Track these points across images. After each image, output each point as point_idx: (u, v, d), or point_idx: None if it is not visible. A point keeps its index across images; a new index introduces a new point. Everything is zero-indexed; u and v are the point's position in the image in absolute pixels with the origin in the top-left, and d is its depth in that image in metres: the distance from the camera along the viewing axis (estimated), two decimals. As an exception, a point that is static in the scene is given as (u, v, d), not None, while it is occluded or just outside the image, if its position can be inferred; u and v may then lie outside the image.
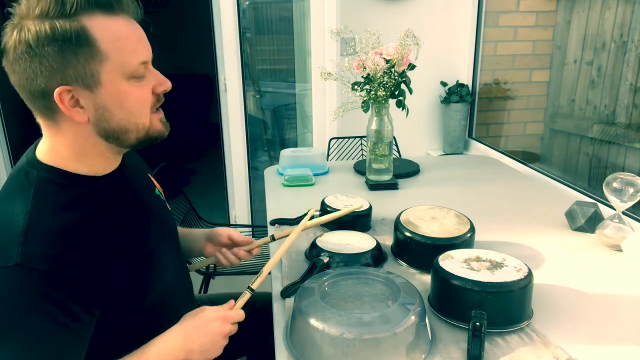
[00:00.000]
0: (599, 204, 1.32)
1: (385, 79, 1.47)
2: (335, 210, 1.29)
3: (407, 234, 1.11)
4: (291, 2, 2.81)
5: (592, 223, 1.26)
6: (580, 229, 1.28)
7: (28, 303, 0.68)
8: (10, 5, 0.70)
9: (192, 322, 0.84)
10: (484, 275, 0.87)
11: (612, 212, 1.22)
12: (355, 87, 1.55)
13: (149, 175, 1.01)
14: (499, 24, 2.53)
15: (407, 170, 1.79)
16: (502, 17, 2.52)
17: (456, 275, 0.88)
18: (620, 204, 1.18)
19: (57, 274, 0.69)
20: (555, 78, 2.25)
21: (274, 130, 3.34)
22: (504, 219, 1.39)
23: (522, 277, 0.87)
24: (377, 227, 1.32)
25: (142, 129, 0.80)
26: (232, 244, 1.15)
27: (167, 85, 0.81)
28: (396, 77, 1.48)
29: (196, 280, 1.51)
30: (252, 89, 3.09)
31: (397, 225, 1.15)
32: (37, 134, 0.84)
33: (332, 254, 1.07)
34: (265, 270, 0.94)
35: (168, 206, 1.03)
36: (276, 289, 1.04)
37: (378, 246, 1.13)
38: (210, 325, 0.83)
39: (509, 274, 0.88)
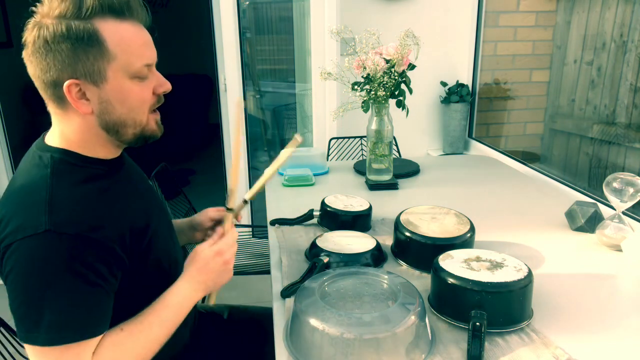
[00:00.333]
0: (599, 204, 1.32)
1: (385, 79, 1.47)
2: (336, 210, 1.29)
3: (407, 234, 1.11)
4: (291, 2, 2.81)
5: (592, 223, 1.26)
6: (580, 229, 1.28)
7: (60, 265, 0.75)
8: (34, 4, 0.79)
9: (195, 267, 0.92)
10: (484, 275, 0.87)
11: (612, 212, 1.22)
12: (355, 87, 1.55)
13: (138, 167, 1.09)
14: (499, 24, 2.53)
15: (407, 170, 1.79)
16: (502, 17, 2.52)
17: (456, 275, 0.88)
18: (620, 204, 1.18)
19: (84, 237, 0.77)
20: (555, 78, 2.25)
21: (274, 130, 3.34)
22: (504, 219, 1.39)
23: (522, 277, 0.87)
24: (377, 227, 1.32)
25: (138, 126, 0.87)
26: (216, 223, 1.18)
27: (167, 86, 0.89)
28: (396, 77, 1.48)
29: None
30: (252, 89, 3.09)
31: (397, 225, 1.15)
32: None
33: (332, 254, 1.07)
34: (234, 186, 1.01)
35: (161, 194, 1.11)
36: (276, 289, 1.04)
37: (378, 246, 1.13)
38: (212, 262, 0.92)
39: (509, 274, 0.88)
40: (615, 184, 1.17)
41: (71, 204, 0.79)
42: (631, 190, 1.15)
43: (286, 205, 1.52)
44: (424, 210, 1.21)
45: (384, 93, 1.48)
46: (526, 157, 2.35)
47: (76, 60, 0.79)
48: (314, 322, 0.80)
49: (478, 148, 2.61)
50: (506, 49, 2.51)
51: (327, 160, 2.27)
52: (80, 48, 0.78)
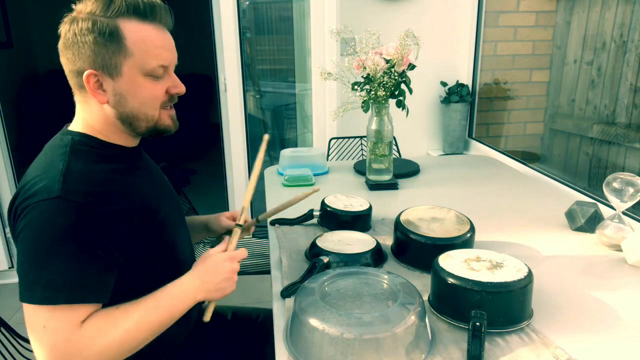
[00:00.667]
0: (599, 204, 1.32)
1: (385, 79, 1.47)
2: (336, 210, 1.29)
3: (407, 234, 1.11)
4: (291, 2, 2.80)
5: (592, 223, 1.26)
6: (580, 229, 1.28)
7: (65, 230, 0.80)
8: (74, 2, 0.89)
9: (204, 266, 0.94)
10: (484, 275, 0.87)
11: (612, 212, 1.22)
12: (355, 87, 1.55)
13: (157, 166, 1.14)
14: (499, 24, 2.53)
15: (407, 170, 1.79)
16: (502, 17, 2.52)
17: (456, 275, 0.88)
18: (620, 204, 1.18)
19: (92, 208, 0.82)
20: (555, 78, 2.25)
21: (274, 130, 3.34)
22: (504, 219, 1.39)
23: (522, 277, 0.87)
24: (377, 227, 1.32)
25: (151, 120, 0.93)
26: (227, 232, 1.21)
27: (180, 89, 0.95)
28: (396, 77, 1.48)
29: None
30: (252, 89, 3.09)
31: (397, 225, 1.15)
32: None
33: (332, 254, 1.07)
34: (246, 204, 1.05)
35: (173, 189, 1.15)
36: (276, 289, 1.04)
37: (378, 246, 1.13)
38: (221, 266, 0.94)
39: (509, 274, 0.88)
40: (615, 184, 1.17)
41: (84, 177, 0.85)
42: (631, 190, 1.15)
43: (286, 205, 1.51)
44: (424, 210, 1.21)
45: (384, 93, 1.48)
46: (526, 157, 2.35)
47: (97, 52, 0.86)
48: (314, 322, 0.80)
49: (478, 148, 2.61)
50: (506, 49, 2.51)
51: (327, 160, 2.27)
52: (101, 42, 0.86)
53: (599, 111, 1.93)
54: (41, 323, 0.79)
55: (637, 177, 1.16)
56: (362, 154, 2.44)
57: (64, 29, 0.88)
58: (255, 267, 1.83)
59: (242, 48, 2.49)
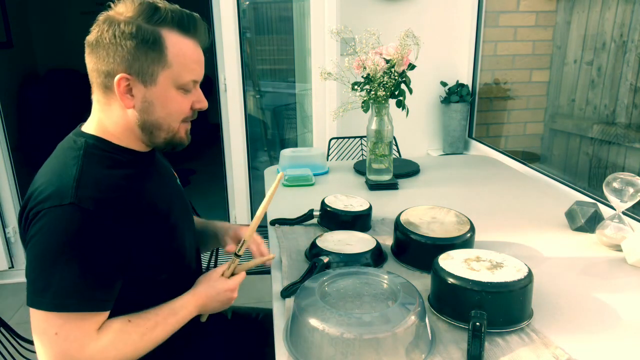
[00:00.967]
0: (599, 204, 1.32)
1: (385, 79, 1.47)
2: (336, 210, 1.29)
3: (407, 234, 1.11)
4: (291, 2, 2.81)
5: (592, 223, 1.26)
6: (580, 229, 1.28)
7: (77, 237, 0.80)
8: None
9: (205, 292, 0.98)
10: (484, 275, 0.87)
11: (612, 212, 1.22)
12: (355, 87, 1.55)
13: (172, 169, 1.14)
14: (499, 24, 2.53)
15: (407, 170, 1.79)
16: (502, 17, 2.52)
17: (456, 275, 0.88)
18: (620, 204, 1.18)
19: (103, 215, 0.82)
20: (555, 78, 2.25)
21: (274, 130, 3.34)
22: (504, 219, 1.39)
23: (522, 277, 0.87)
24: (377, 227, 1.32)
25: (171, 132, 0.94)
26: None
27: (204, 104, 0.96)
28: (396, 77, 1.48)
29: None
30: (252, 89, 3.09)
31: (397, 225, 1.15)
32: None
33: (332, 254, 1.07)
34: (247, 237, 1.03)
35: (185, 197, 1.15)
36: (276, 289, 1.04)
37: (378, 246, 1.13)
38: (222, 295, 0.99)
39: (509, 274, 0.88)
40: (615, 184, 1.17)
41: (96, 183, 0.85)
42: (631, 190, 1.15)
43: (286, 205, 1.51)
44: (424, 210, 1.21)
45: (384, 93, 1.48)
46: (526, 157, 2.35)
47: (135, 58, 0.86)
48: (314, 322, 0.80)
49: (478, 148, 2.61)
50: (506, 49, 2.51)
51: (327, 160, 2.27)
52: (142, 49, 0.86)
53: (599, 111, 1.93)
54: (53, 329, 0.79)
55: (637, 177, 1.16)
56: (362, 154, 2.44)
57: (99, 27, 0.86)
58: (255, 267, 1.83)
59: (242, 48, 2.49)
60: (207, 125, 4.89)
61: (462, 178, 1.77)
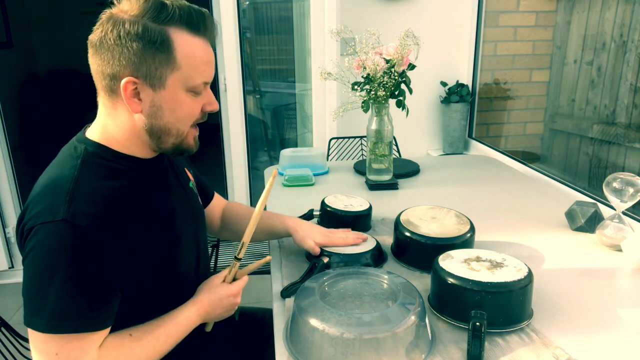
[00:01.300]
0: (599, 204, 1.32)
1: (385, 79, 1.47)
2: (336, 210, 1.29)
3: (407, 234, 1.11)
4: (291, 2, 2.81)
5: (592, 223, 1.26)
6: (580, 229, 1.28)
7: (70, 255, 0.76)
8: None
9: (207, 299, 0.95)
10: (484, 275, 0.87)
11: (612, 212, 1.22)
12: (355, 87, 1.55)
13: (185, 169, 1.10)
14: (499, 24, 2.53)
15: (407, 170, 1.79)
16: (502, 17, 2.52)
17: (456, 275, 0.88)
18: (620, 204, 1.18)
19: (97, 231, 0.78)
20: (555, 78, 2.25)
21: (274, 130, 3.34)
22: (504, 219, 1.38)
23: (522, 277, 0.87)
24: (377, 227, 1.32)
25: (180, 137, 0.89)
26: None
27: (214, 106, 0.91)
28: (396, 77, 1.48)
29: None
30: (252, 89, 3.09)
31: (397, 225, 1.15)
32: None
33: (332, 254, 1.07)
34: (246, 240, 1.00)
35: (200, 200, 1.12)
36: (276, 289, 1.04)
37: (378, 246, 1.13)
38: (225, 301, 0.96)
39: (509, 274, 0.88)
40: (615, 184, 1.17)
41: (91, 197, 0.81)
42: (631, 190, 1.15)
43: (286, 205, 1.51)
44: (424, 210, 1.21)
45: (384, 93, 1.48)
46: (526, 157, 2.35)
47: (142, 60, 0.80)
48: (314, 322, 0.80)
49: (478, 148, 2.61)
50: (506, 49, 2.51)
51: (327, 160, 2.27)
52: (149, 50, 0.80)
53: (599, 111, 1.93)
54: (53, 350, 0.77)
55: (637, 177, 1.16)
56: (362, 154, 2.44)
57: (103, 27, 0.81)
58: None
59: (242, 48, 2.49)
60: (207, 125, 4.89)
61: (462, 178, 1.77)
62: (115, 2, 0.83)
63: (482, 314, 0.81)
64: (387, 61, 1.49)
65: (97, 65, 0.83)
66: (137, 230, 0.85)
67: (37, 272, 0.77)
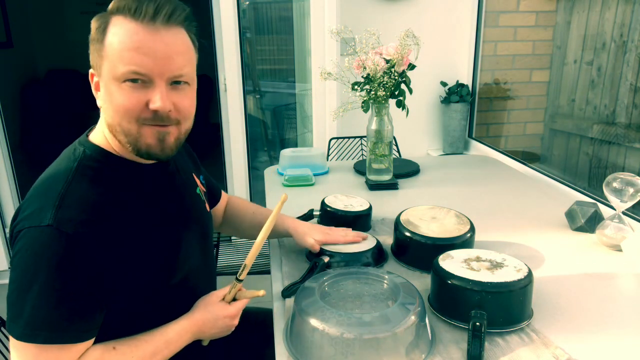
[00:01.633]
0: (599, 204, 1.32)
1: (385, 79, 1.47)
2: (336, 210, 1.29)
3: (407, 234, 1.11)
4: (291, 2, 2.81)
5: (592, 223, 1.26)
6: (580, 229, 1.28)
7: (53, 263, 0.74)
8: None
9: (202, 317, 0.90)
10: (484, 275, 0.87)
11: (612, 212, 1.22)
12: (355, 87, 1.55)
13: (193, 175, 1.06)
14: (499, 24, 2.53)
15: (407, 170, 1.79)
16: (502, 17, 2.52)
17: (456, 275, 0.88)
18: (620, 204, 1.18)
19: (83, 240, 0.75)
20: (555, 78, 2.25)
21: (274, 130, 3.34)
22: (504, 219, 1.39)
23: (522, 277, 0.87)
24: (377, 227, 1.32)
25: (129, 136, 0.82)
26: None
27: (155, 104, 0.79)
28: (396, 77, 1.48)
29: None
30: (252, 89, 3.10)
31: (397, 225, 1.15)
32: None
33: (332, 254, 1.07)
34: (248, 262, 0.95)
35: (207, 207, 1.08)
36: (276, 289, 1.04)
37: (378, 245, 1.13)
38: (221, 322, 0.92)
39: (509, 274, 0.88)
40: (615, 184, 1.17)
41: (81, 203, 0.78)
42: (631, 190, 1.15)
43: (286, 205, 1.51)
44: (424, 210, 1.21)
45: (384, 93, 1.48)
46: (526, 157, 2.35)
47: (92, 51, 0.81)
48: (314, 322, 0.80)
49: (478, 148, 2.61)
50: (506, 49, 2.51)
51: (327, 160, 2.27)
52: (95, 38, 0.80)
53: (599, 111, 1.93)
54: (29, 358, 0.75)
55: (637, 177, 1.16)
56: (362, 154, 2.44)
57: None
58: (255, 267, 1.83)
59: (242, 48, 2.49)
60: (207, 125, 4.90)
61: (462, 178, 1.77)
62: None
63: (482, 314, 0.81)
64: (387, 61, 1.49)
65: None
66: (128, 239, 0.81)
67: (19, 277, 0.75)
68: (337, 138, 2.43)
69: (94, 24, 0.81)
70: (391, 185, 1.63)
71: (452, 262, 0.93)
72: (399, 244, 1.16)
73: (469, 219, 1.17)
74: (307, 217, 1.35)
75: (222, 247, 2.72)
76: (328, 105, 2.50)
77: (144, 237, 0.85)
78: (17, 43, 4.25)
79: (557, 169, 2.19)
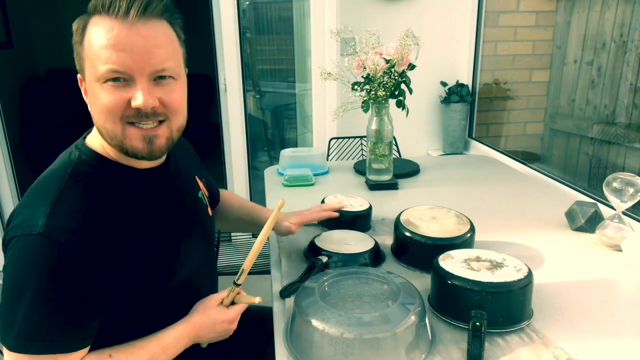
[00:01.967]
0: (599, 204, 1.32)
1: (385, 79, 1.47)
2: (336, 210, 1.29)
3: (407, 234, 1.11)
4: (291, 2, 2.81)
5: (592, 223, 1.26)
6: (580, 229, 1.28)
7: (44, 272, 0.72)
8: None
9: (200, 321, 0.89)
10: (484, 275, 0.87)
11: (612, 212, 1.22)
12: (355, 87, 1.55)
13: (196, 177, 1.05)
14: (499, 24, 2.53)
15: (407, 170, 1.79)
16: (502, 17, 2.52)
17: (456, 275, 0.88)
18: (620, 204, 1.18)
19: (75, 249, 0.73)
20: (555, 78, 2.25)
21: (274, 130, 3.34)
22: (504, 219, 1.39)
23: (522, 277, 0.87)
24: (377, 227, 1.32)
25: (114, 137, 0.80)
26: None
27: (137, 101, 0.77)
28: (396, 77, 1.48)
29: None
30: (252, 89, 3.10)
31: (397, 225, 1.15)
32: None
33: (330, 254, 1.07)
34: (247, 266, 0.93)
35: (210, 211, 1.07)
36: (276, 289, 1.04)
37: (376, 246, 1.13)
38: (219, 326, 0.90)
39: (509, 274, 0.88)
40: (615, 184, 1.17)
41: (73, 211, 0.76)
42: (631, 190, 1.15)
43: (286, 205, 1.51)
44: (424, 210, 1.21)
45: (384, 93, 1.48)
46: (526, 157, 2.35)
47: (76, 53, 0.80)
48: (314, 322, 0.80)
49: (478, 148, 2.61)
50: (506, 49, 2.51)
51: (327, 160, 2.27)
52: (76, 41, 0.79)
53: (599, 111, 1.93)
54: None
55: (637, 177, 1.16)
56: (362, 154, 2.44)
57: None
58: (255, 267, 1.83)
59: (242, 48, 2.49)
60: (207, 125, 4.90)
61: (462, 178, 1.77)
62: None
63: (482, 314, 0.81)
64: (387, 61, 1.49)
65: None
66: (122, 246, 0.79)
67: (10, 287, 0.73)
68: (337, 138, 2.43)
69: (74, 26, 0.78)
70: (391, 185, 1.63)
71: (452, 262, 0.93)
72: (399, 244, 1.15)
73: (469, 219, 1.17)
74: (307, 217, 1.35)
75: (222, 247, 2.72)
76: (328, 105, 2.50)
77: (139, 243, 0.83)
78: (17, 43, 4.25)
79: (557, 169, 2.19)
